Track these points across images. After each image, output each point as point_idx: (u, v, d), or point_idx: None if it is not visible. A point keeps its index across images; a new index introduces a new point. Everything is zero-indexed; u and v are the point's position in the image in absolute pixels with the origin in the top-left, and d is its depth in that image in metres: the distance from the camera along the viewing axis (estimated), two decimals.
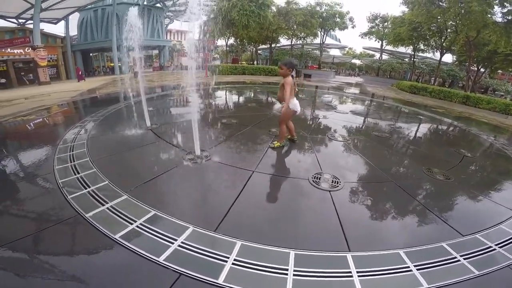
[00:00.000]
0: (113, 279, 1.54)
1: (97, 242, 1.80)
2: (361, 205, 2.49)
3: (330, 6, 25.51)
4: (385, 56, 32.39)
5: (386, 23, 26.52)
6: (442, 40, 19.08)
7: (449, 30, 17.51)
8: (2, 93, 13.50)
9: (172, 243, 1.80)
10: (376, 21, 27.43)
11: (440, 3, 14.98)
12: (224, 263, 1.67)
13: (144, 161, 3.16)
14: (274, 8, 23.30)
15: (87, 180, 2.62)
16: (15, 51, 19.74)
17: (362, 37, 28.68)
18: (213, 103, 7.84)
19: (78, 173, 2.78)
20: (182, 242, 1.81)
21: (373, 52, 36.40)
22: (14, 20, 20.74)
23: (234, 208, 2.24)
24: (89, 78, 22.36)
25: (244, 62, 31.99)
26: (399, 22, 21.64)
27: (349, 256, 1.80)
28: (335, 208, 2.35)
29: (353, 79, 30.75)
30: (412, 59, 25.68)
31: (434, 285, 1.63)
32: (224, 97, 9.05)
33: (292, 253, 1.78)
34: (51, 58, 21.79)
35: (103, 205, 2.20)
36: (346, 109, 7.57)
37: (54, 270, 1.58)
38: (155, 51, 37.30)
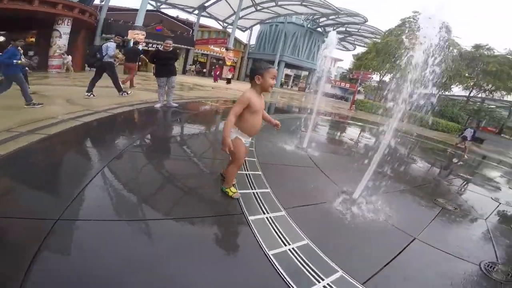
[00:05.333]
0: None
1: (251, 251, 1.94)
2: None
3: None
4: None
5: None
6: None
7: None
8: (199, 79, 18.54)
9: (319, 282, 1.74)
10: None
11: None
12: None
13: (298, 183, 3.31)
14: (455, 51, 19.61)
15: (253, 180, 2.99)
16: (215, 48, 26.44)
17: None
18: (367, 144, 7.44)
19: (247, 170, 3.21)
20: (327, 284, 1.73)
21: None
22: (221, 23, 27.75)
23: (386, 270, 2.04)
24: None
25: None
26: None
27: None
28: None
29: None
30: None
31: None
32: (375, 140, 8.35)
33: None
34: (233, 60, 27.77)
35: (264, 213, 2.39)
36: None
37: (202, 254, 1.80)
38: (305, 73, 40.01)
